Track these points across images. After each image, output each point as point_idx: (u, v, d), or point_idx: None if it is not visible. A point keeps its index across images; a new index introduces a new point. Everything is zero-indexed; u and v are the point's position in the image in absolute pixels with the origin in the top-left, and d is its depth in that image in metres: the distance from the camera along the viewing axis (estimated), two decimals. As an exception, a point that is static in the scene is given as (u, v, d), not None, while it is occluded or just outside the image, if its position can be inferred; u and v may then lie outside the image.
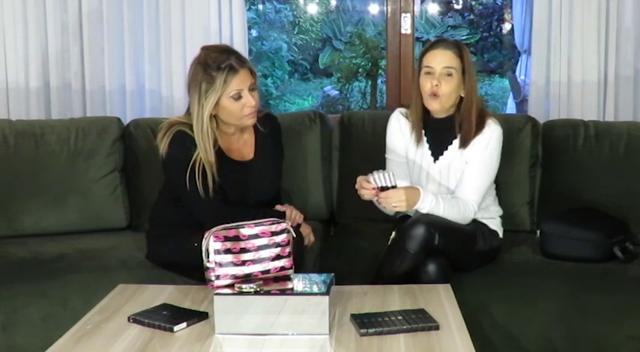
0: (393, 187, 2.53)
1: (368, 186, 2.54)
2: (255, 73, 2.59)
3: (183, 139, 2.54)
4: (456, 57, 2.64)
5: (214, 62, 2.50)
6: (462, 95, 2.67)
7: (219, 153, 2.59)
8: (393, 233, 2.59)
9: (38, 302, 2.64)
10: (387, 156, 2.84)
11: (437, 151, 2.73)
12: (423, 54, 2.69)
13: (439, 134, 2.73)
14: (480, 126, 2.67)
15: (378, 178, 2.52)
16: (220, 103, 2.52)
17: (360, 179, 2.57)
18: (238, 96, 2.52)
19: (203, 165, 2.52)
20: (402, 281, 2.43)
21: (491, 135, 2.67)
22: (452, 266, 2.56)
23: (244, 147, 2.70)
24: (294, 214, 2.68)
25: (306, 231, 2.70)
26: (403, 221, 2.66)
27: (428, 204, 2.56)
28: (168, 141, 2.55)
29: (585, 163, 3.10)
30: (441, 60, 2.63)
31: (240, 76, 2.51)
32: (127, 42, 3.59)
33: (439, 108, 2.67)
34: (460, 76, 2.64)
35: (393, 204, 2.53)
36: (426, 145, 2.75)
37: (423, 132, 2.75)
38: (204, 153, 2.53)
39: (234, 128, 2.63)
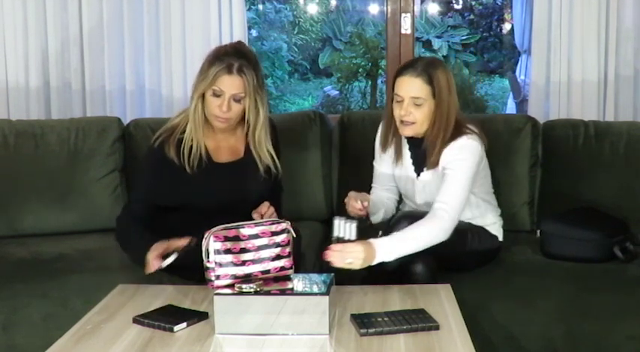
0: (351, 241, 2.28)
1: (356, 205, 2.53)
2: (251, 90, 2.51)
3: (159, 153, 2.58)
4: (424, 84, 2.51)
5: (223, 55, 2.53)
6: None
7: (205, 157, 2.60)
8: (380, 232, 2.57)
9: (38, 302, 2.64)
10: (374, 163, 2.82)
11: (418, 167, 2.68)
12: (394, 77, 2.59)
13: (418, 152, 2.67)
14: (451, 141, 2.55)
15: (337, 226, 2.30)
16: (205, 92, 2.54)
17: (351, 194, 2.57)
18: (217, 95, 2.52)
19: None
20: (391, 280, 2.40)
21: (462, 146, 2.55)
22: (450, 267, 2.55)
23: (237, 144, 2.68)
24: (264, 210, 2.56)
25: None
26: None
27: (385, 258, 2.35)
28: (149, 148, 2.64)
29: (585, 163, 3.10)
30: (407, 89, 2.53)
31: (229, 79, 2.50)
32: (127, 42, 3.59)
33: (411, 134, 2.60)
34: (431, 102, 2.53)
35: (347, 259, 2.25)
36: (410, 160, 2.71)
37: (407, 147, 2.71)
38: (193, 130, 2.57)
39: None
